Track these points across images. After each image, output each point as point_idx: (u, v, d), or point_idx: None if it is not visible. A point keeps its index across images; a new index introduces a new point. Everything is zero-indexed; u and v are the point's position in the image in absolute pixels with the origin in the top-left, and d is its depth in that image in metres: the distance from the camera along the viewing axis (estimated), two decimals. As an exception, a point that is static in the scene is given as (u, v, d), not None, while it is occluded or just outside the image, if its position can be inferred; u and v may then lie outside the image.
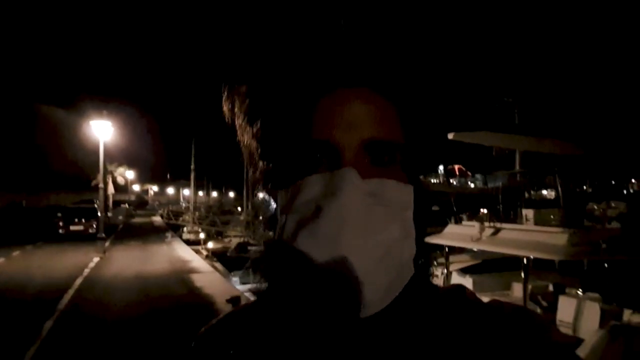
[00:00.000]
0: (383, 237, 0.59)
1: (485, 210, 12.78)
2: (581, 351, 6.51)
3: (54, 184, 51.40)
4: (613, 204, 10.79)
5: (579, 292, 8.91)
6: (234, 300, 9.63)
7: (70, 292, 11.80)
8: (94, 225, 27.19)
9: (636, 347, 6.66)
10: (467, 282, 10.73)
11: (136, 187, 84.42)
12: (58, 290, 11.69)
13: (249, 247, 28.59)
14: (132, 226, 39.40)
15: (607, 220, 9.86)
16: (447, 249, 11.57)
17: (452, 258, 12.27)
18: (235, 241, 33.24)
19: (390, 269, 0.60)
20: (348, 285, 0.56)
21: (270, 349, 0.64)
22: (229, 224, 41.23)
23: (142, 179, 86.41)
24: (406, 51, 0.68)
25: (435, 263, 0.77)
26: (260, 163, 0.69)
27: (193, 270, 15.88)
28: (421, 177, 0.69)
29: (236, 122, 0.70)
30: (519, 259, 9.57)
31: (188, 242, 28.62)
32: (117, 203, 52.85)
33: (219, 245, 32.40)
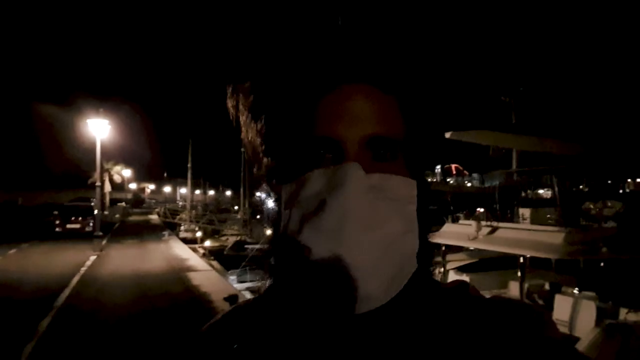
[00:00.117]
0: (386, 231, 0.60)
1: (482, 209, 12.81)
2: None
3: (50, 182, 51.33)
4: (609, 203, 10.78)
5: (575, 290, 8.94)
6: (232, 298, 9.61)
7: (67, 290, 11.78)
8: (91, 224, 27.13)
9: (632, 345, 6.68)
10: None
11: (133, 186, 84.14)
12: (55, 288, 11.68)
13: (246, 246, 28.58)
14: (129, 224, 39.33)
15: (604, 219, 9.87)
16: (444, 248, 11.60)
17: (449, 257, 12.30)
18: (232, 239, 33.19)
19: (393, 263, 0.60)
20: (351, 278, 0.57)
21: (274, 342, 0.65)
22: (226, 223, 41.19)
23: (139, 177, 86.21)
24: (407, 48, 0.68)
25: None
26: (265, 159, 0.70)
27: (190, 269, 15.86)
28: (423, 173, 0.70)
29: (240, 119, 0.71)
30: (515, 257, 9.60)
31: (185, 241, 28.55)
32: (113, 201, 52.73)
33: (216, 244, 32.36)
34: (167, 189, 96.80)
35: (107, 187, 45.63)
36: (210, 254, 27.82)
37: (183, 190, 74.19)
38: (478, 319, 0.62)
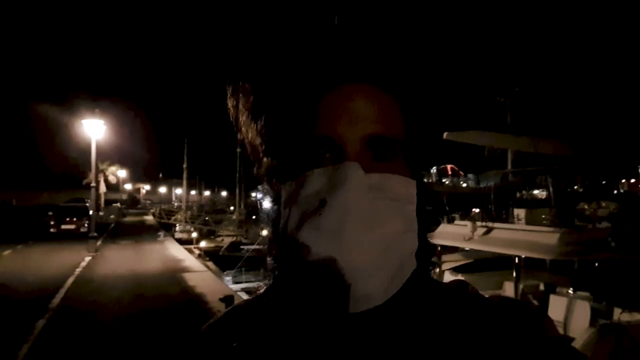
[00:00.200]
0: (386, 230, 0.60)
1: (477, 210, 12.83)
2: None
3: (46, 183, 51.14)
4: (603, 204, 10.84)
5: (570, 291, 8.97)
6: (227, 299, 9.59)
7: (62, 291, 11.74)
8: (86, 224, 27.04)
9: (626, 344, 6.73)
10: (459, 281, 10.74)
11: (128, 186, 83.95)
12: (50, 289, 11.63)
13: (242, 246, 28.53)
14: (124, 225, 39.20)
15: (598, 220, 9.92)
16: (439, 248, 11.60)
17: (444, 257, 12.31)
18: (227, 240, 33.15)
19: (392, 262, 0.60)
20: (351, 277, 0.57)
21: (273, 341, 0.65)
22: (221, 223, 41.11)
23: (134, 177, 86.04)
24: (407, 47, 0.69)
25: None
26: (264, 159, 0.70)
27: (186, 269, 15.83)
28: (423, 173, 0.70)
29: (240, 119, 0.71)
30: (510, 258, 9.62)
31: (180, 241, 28.50)
32: (108, 202, 52.50)
33: (211, 244, 32.30)
34: (163, 189, 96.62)
35: (102, 188, 45.45)
36: (205, 255, 27.77)
37: (178, 191, 74.13)
38: (478, 318, 0.63)
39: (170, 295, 11.40)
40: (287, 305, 0.66)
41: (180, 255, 19.88)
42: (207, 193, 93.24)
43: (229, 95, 0.72)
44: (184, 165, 46.26)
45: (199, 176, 78.76)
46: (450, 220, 12.50)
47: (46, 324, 8.72)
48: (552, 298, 8.81)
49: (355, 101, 0.63)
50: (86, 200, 33.08)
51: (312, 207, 0.60)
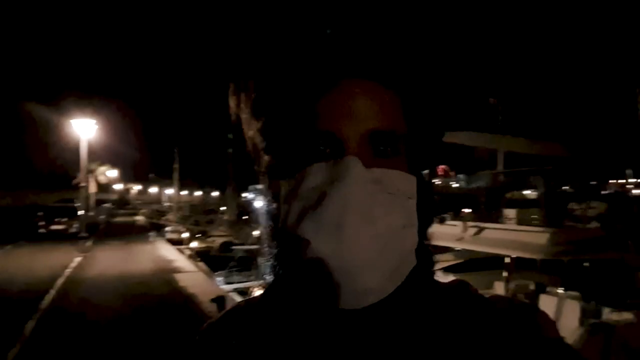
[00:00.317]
0: (386, 225, 0.60)
1: (468, 210, 12.88)
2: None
3: (34, 183, 50.67)
4: (593, 204, 10.93)
5: (560, 290, 9.02)
6: (219, 300, 9.59)
7: (52, 292, 11.68)
8: (75, 225, 26.88)
9: (615, 343, 6.78)
10: (450, 281, 10.78)
11: (118, 186, 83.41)
12: (39, 290, 11.57)
13: (233, 247, 28.45)
14: (115, 225, 39.02)
15: (587, 220, 9.99)
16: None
17: (435, 257, 12.33)
18: (218, 241, 33.05)
19: (392, 257, 0.60)
20: (351, 271, 0.57)
21: (272, 337, 0.65)
22: (212, 224, 41.00)
23: (125, 178, 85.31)
24: (407, 42, 0.69)
25: None
26: (265, 157, 0.70)
27: (177, 270, 15.79)
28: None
29: (241, 117, 0.72)
30: (501, 258, 9.67)
31: (171, 242, 28.38)
32: (99, 202, 52.15)
33: (202, 245, 32.18)
34: (153, 189, 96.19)
35: (92, 188, 45.13)
36: (196, 255, 27.64)
37: (169, 191, 73.75)
38: (478, 317, 0.62)
39: (162, 296, 11.37)
40: (287, 302, 0.66)
41: (171, 256, 19.83)
42: (198, 193, 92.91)
43: (230, 93, 0.72)
44: (175, 166, 46.11)
45: (190, 176, 78.60)
46: (442, 220, 12.54)
47: (36, 325, 8.68)
48: (542, 297, 8.85)
49: (356, 97, 0.63)
50: (76, 200, 32.84)
51: (312, 201, 0.60)
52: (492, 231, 9.97)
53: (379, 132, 0.62)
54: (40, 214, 30.41)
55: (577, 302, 8.18)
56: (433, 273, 0.70)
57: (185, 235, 34.46)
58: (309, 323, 0.63)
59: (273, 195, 0.69)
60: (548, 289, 9.38)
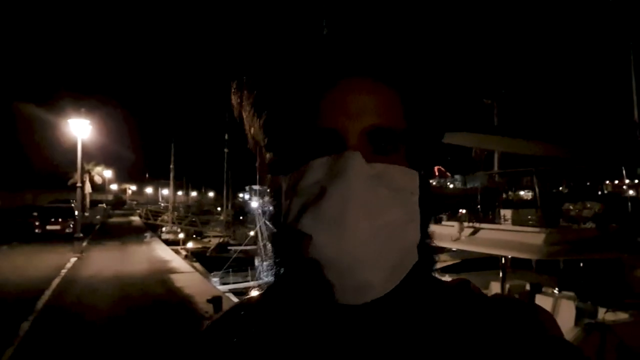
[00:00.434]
0: (387, 220, 0.60)
1: (464, 211, 12.91)
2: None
3: (29, 183, 50.48)
4: (588, 205, 10.96)
5: (555, 291, 9.06)
6: (215, 300, 9.57)
7: (48, 293, 11.62)
8: (71, 225, 26.80)
9: (610, 344, 6.81)
10: (447, 281, 10.81)
11: (114, 187, 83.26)
12: (35, 291, 11.50)
13: (229, 247, 28.45)
14: (110, 226, 38.88)
15: (583, 220, 10.02)
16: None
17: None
18: (214, 241, 33.04)
19: (393, 252, 0.60)
20: (352, 266, 0.57)
21: (274, 334, 0.65)
22: (208, 224, 40.96)
23: (120, 178, 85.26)
24: (407, 40, 0.69)
25: None
26: (267, 154, 0.70)
27: (173, 271, 15.75)
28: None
29: (244, 114, 0.72)
30: (497, 258, 9.70)
31: (167, 242, 28.32)
32: (94, 202, 52.03)
33: (198, 245, 32.18)
34: (149, 190, 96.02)
35: (88, 188, 45.02)
36: (192, 256, 27.64)
37: (165, 192, 73.61)
38: (480, 316, 0.62)
39: (158, 297, 11.34)
40: (288, 298, 0.66)
41: (167, 257, 19.77)
42: (194, 194, 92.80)
43: (232, 91, 0.73)
44: (171, 166, 45.98)
45: (185, 177, 78.49)
46: (438, 221, 12.57)
47: (32, 326, 8.64)
48: (538, 298, 8.87)
49: (356, 94, 0.63)
50: (71, 200, 32.73)
51: (313, 196, 0.60)
52: (488, 231, 10.00)
53: (379, 129, 0.63)
54: (35, 214, 30.26)
55: (572, 302, 8.21)
56: (434, 270, 0.70)
57: (181, 235, 34.43)
58: (310, 319, 0.63)
59: (275, 191, 0.69)
60: (544, 289, 9.41)
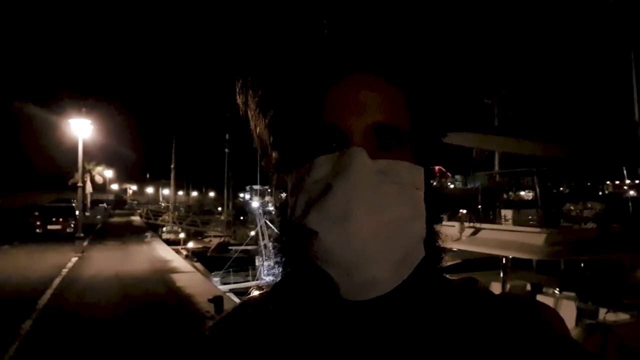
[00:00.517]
0: (393, 215, 0.60)
1: (465, 211, 12.91)
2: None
3: (30, 183, 50.52)
4: (589, 205, 10.95)
5: (556, 291, 9.06)
6: (217, 300, 9.59)
7: (49, 292, 11.62)
8: (72, 225, 26.81)
9: (610, 344, 6.81)
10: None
11: (115, 187, 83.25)
12: (36, 290, 11.51)
13: (230, 247, 28.47)
14: (111, 225, 38.87)
15: (584, 220, 10.02)
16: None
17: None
18: (215, 241, 33.08)
19: (399, 247, 0.60)
20: (358, 261, 0.58)
21: (280, 330, 0.66)
22: (209, 224, 40.98)
23: (121, 178, 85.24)
24: (411, 37, 0.69)
25: None
26: (273, 153, 0.71)
27: (173, 270, 15.75)
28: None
29: (249, 113, 0.72)
30: (497, 258, 9.69)
31: (168, 242, 28.33)
32: (95, 202, 52.06)
33: (199, 245, 32.22)
34: (150, 190, 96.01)
35: (89, 188, 45.05)
36: (193, 256, 27.67)
37: (166, 192, 73.59)
38: (488, 313, 0.63)
39: (159, 296, 11.34)
40: (295, 295, 0.67)
41: (167, 256, 19.78)
42: (194, 194, 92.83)
43: (237, 90, 0.73)
44: (172, 166, 46.01)
45: (186, 177, 78.55)
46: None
47: (33, 325, 8.65)
48: (539, 298, 8.87)
49: (361, 91, 0.63)
50: (72, 200, 32.73)
51: (318, 192, 0.61)
52: (489, 232, 9.99)
53: (382, 126, 0.63)
54: (36, 214, 30.25)
55: (573, 303, 8.22)
56: (442, 267, 0.70)
57: (182, 235, 34.46)
58: (317, 315, 0.64)
59: (280, 190, 0.70)
60: (544, 289, 9.41)
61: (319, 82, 0.65)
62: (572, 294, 8.62)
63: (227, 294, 13.97)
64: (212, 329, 0.75)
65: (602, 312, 7.84)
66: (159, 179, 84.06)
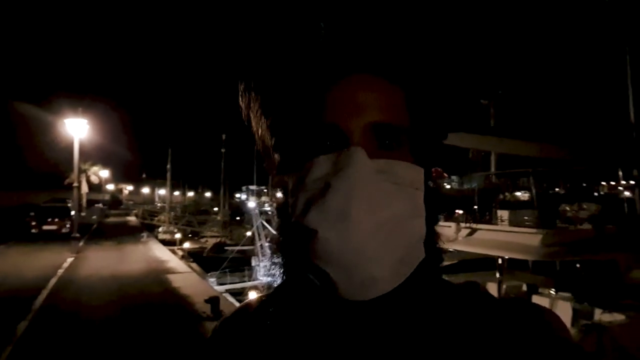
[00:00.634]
0: (392, 214, 0.60)
1: (461, 211, 12.92)
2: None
3: (26, 183, 50.38)
4: (585, 206, 10.98)
5: (552, 291, 9.08)
6: (213, 300, 9.58)
7: (45, 292, 11.61)
8: (68, 225, 26.76)
9: (606, 345, 6.83)
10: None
11: (110, 187, 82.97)
12: (32, 290, 11.50)
13: (226, 248, 28.44)
14: (107, 226, 38.78)
15: (579, 221, 10.04)
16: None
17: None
18: (211, 241, 33.03)
19: (398, 247, 0.60)
20: (357, 260, 0.58)
21: (283, 331, 0.66)
22: (205, 224, 40.94)
23: (117, 178, 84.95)
24: (410, 38, 0.70)
25: None
26: (275, 155, 0.71)
27: (169, 271, 15.73)
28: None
29: (251, 116, 0.72)
30: (494, 259, 9.71)
31: (164, 242, 28.29)
32: (91, 202, 51.89)
33: (195, 246, 32.13)
34: (146, 190, 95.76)
35: (84, 188, 44.94)
36: (189, 256, 27.60)
37: (162, 192, 73.55)
38: (488, 316, 0.63)
39: (155, 297, 11.33)
40: (296, 295, 0.67)
41: (163, 257, 19.76)
42: (190, 194, 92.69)
43: (240, 93, 0.73)
44: (168, 166, 45.95)
45: (182, 177, 78.49)
46: (435, 221, 12.53)
47: (29, 325, 8.63)
48: (535, 299, 8.90)
49: (360, 91, 0.63)
50: (67, 200, 32.63)
51: (318, 191, 0.61)
52: (485, 232, 10.01)
53: (382, 125, 0.63)
54: (32, 214, 30.19)
55: (569, 303, 8.23)
56: (442, 268, 0.70)
57: (178, 235, 34.39)
58: (317, 315, 0.64)
59: (281, 190, 0.70)
60: (540, 289, 9.43)
61: (319, 83, 0.65)
62: (568, 295, 8.64)
63: (224, 294, 13.97)
64: (215, 331, 0.76)
65: (598, 312, 7.86)
66: (155, 179, 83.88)
